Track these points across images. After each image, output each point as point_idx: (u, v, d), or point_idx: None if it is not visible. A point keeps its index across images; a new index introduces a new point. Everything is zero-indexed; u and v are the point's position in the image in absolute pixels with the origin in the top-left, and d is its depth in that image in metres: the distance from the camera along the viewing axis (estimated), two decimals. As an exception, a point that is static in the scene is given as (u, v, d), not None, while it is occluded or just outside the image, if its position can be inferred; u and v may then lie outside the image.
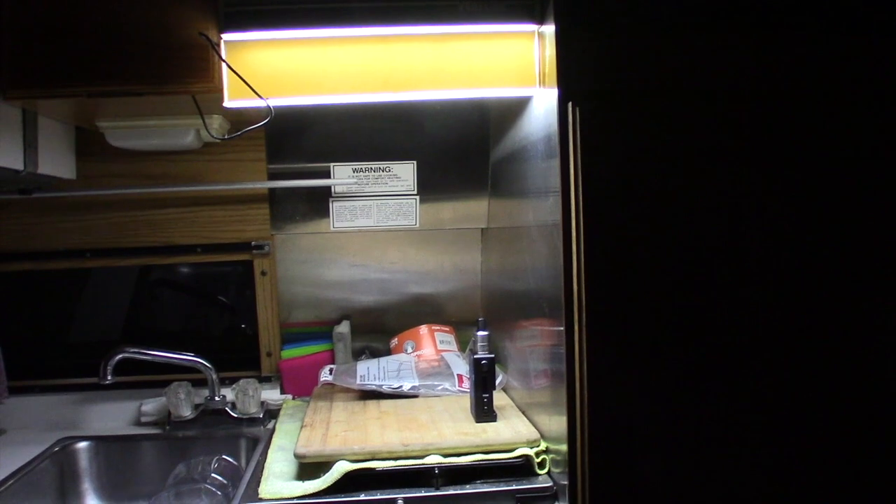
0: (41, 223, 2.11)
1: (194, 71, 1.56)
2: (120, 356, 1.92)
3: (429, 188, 2.22)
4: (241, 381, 2.08)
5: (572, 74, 1.42)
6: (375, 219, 2.21)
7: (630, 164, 1.41)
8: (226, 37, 1.58)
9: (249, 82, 1.57)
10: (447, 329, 2.24)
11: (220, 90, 1.59)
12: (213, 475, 1.84)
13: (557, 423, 1.48)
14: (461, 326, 2.28)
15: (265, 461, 1.66)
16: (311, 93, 1.62)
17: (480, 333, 1.70)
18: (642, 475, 1.44)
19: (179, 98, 1.64)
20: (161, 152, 2.05)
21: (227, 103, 1.61)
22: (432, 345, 2.16)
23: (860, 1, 1.46)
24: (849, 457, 1.48)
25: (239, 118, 1.89)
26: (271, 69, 1.61)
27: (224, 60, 1.57)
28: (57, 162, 1.93)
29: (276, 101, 1.61)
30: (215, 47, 1.55)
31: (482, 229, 2.28)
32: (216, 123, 1.86)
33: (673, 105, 1.43)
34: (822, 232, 1.45)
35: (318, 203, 2.19)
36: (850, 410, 1.47)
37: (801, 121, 1.44)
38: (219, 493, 1.79)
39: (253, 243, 2.18)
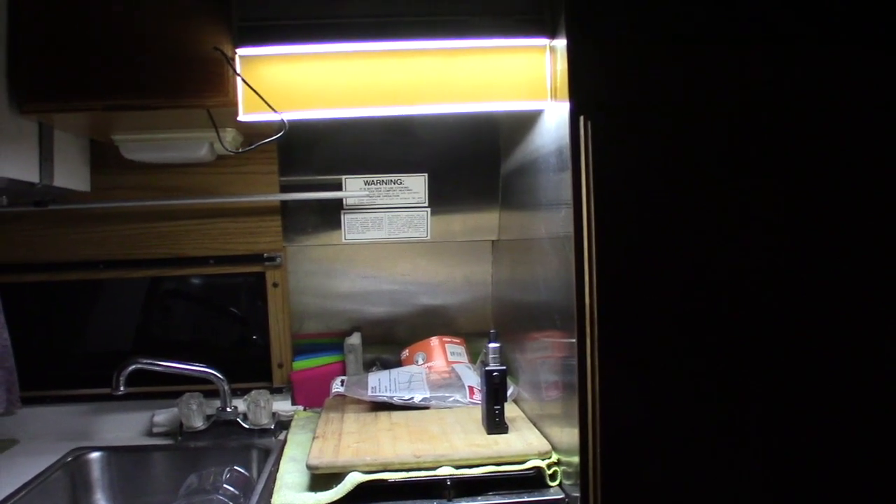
0: (56, 235, 2.13)
1: (209, 85, 1.58)
2: (133, 367, 1.93)
3: (440, 200, 2.23)
4: (253, 392, 2.08)
5: (584, 88, 1.43)
6: (387, 231, 2.22)
7: (642, 177, 1.42)
8: (240, 51, 1.59)
9: (263, 96, 1.59)
10: (458, 341, 2.25)
11: (235, 104, 1.60)
12: (224, 486, 1.84)
13: (569, 436, 1.48)
14: (472, 338, 2.29)
15: (277, 472, 1.67)
16: (324, 106, 1.63)
17: (492, 345, 1.70)
18: (655, 488, 1.44)
19: (194, 112, 1.66)
20: (175, 165, 2.07)
21: (242, 117, 1.62)
22: (443, 356, 2.17)
23: (868, 13, 1.47)
24: (869, 471, 1.48)
25: (252, 131, 1.90)
26: (285, 83, 1.62)
27: (239, 75, 1.59)
28: (72, 174, 1.94)
29: (289, 115, 1.62)
30: (230, 62, 1.57)
31: (493, 241, 2.29)
32: (230, 136, 1.88)
33: (684, 118, 1.44)
34: (836, 246, 1.46)
35: (329, 215, 2.21)
36: (870, 423, 1.47)
37: (813, 133, 1.45)
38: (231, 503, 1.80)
39: (265, 255, 2.20)
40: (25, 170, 1.68)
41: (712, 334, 1.44)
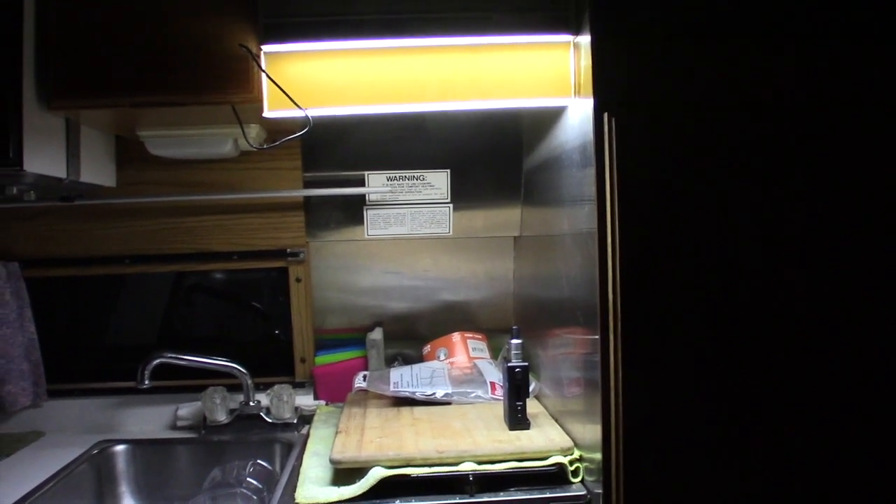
0: (82, 230, 2.16)
1: (234, 82, 1.60)
2: (157, 361, 1.95)
3: (462, 196, 2.23)
4: (276, 387, 2.10)
5: (608, 84, 1.43)
6: (409, 227, 2.23)
7: (665, 174, 1.42)
8: (265, 48, 1.60)
9: (288, 92, 1.60)
10: (479, 336, 2.25)
11: (260, 100, 1.62)
12: (248, 479, 1.86)
13: (591, 432, 1.48)
14: (493, 334, 2.29)
15: (300, 466, 1.68)
16: (348, 103, 1.64)
17: (514, 342, 1.71)
18: (677, 484, 1.44)
19: (219, 108, 1.67)
20: (199, 161, 2.08)
21: (267, 113, 1.63)
22: (465, 352, 2.17)
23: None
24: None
25: (276, 127, 1.91)
26: (309, 79, 1.63)
27: (264, 71, 1.60)
28: (98, 170, 1.97)
29: (314, 112, 1.63)
30: (255, 58, 1.58)
31: (515, 237, 2.29)
32: (254, 132, 1.89)
33: (708, 114, 1.43)
34: (862, 245, 1.45)
35: (352, 211, 2.22)
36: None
37: (841, 129, 1.44)
38: (254, 497, 1.81)
39: (288, 250, 2.21)
40: (53, 165, 1.70)
41: (737, 332, 1.43)
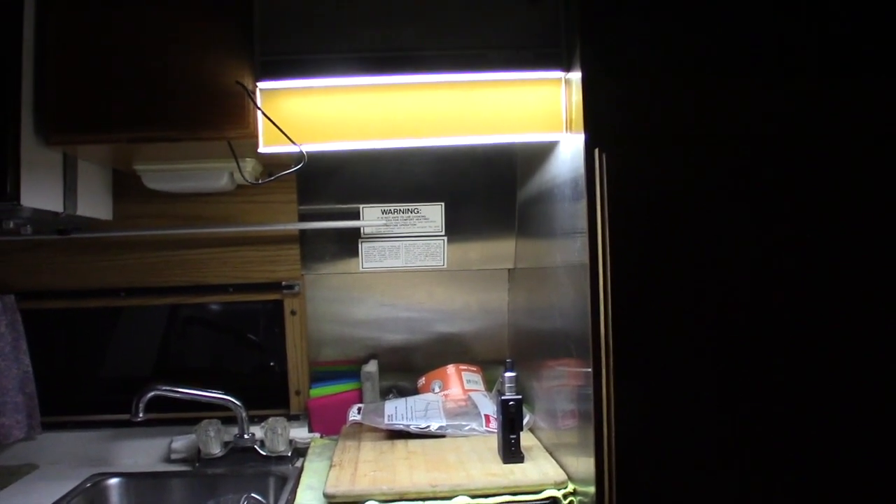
0: (78, 262, 2.16)
1: (230, 118, 1.61)
2: (152, 394, 1.95)
3: (457, 229, 2.24)
4: (270, 420, 2.10)
5: (598, 120, 1.45)
6: (404, 259, 2.24)
7: (656, 208, 1.43)
8: (261, 85, 1.63)
9: (283, 128, 1.62)
10: (474, 369, 2.25)
11: (255, 136, 1.63)
12: (242, 513, 1.86)
13: (585, 465, 1.48)
14: (488, 366, 2.29)
15: (294, 500, 1.67)
16: (343, 138, 1.67)
17: (508, 375, 1.71)
18: (670, 518, 1.44)
19: (215, 143, 1.68)
20: (195, 194, 2.10)
21: (262, 149, 1.65)
22: (459, 384, 2.17)
23: (886, 47, 1.48)
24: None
25: (272, 161, 1.93)
26: (304, 115, 1.65)
27: (259, 108, 1.62)
28: (95, 204, 1.98)
29: (309, 147, 1.65)
30: (251, 95, 1.60)
31: (509, 269, 2.30)
32: (249, 167, 1.91)
33: (698, 149, 1.45)
34: (852, 276, 1.46)
35: (347, 243, 2.23)
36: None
37: (829, 161, 1.46)
38: (248, 531, 1.81)
39: (283, 283, 2.21)
40: (50, 200, 1.71)
41: (730, 363, 1.44)
